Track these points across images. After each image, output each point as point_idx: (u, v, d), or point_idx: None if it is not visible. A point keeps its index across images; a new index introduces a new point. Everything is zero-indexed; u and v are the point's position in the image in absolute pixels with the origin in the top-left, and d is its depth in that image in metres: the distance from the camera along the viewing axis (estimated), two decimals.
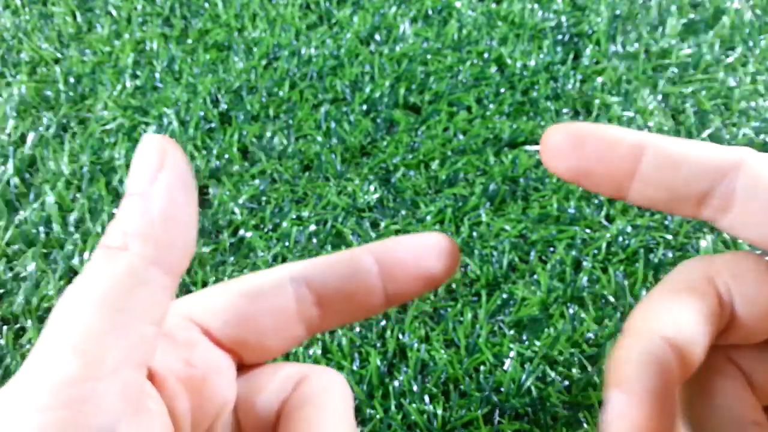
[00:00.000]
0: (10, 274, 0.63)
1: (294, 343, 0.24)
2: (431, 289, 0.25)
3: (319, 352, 0.57)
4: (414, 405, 0.54)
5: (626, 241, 0.63)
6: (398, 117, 0.71)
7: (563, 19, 0.82)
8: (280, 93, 0.74)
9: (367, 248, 0.24)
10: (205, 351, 0.22)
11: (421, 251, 0.24)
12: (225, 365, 0.23)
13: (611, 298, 0.60)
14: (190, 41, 0.82)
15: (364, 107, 0.72)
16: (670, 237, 0.64)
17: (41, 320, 0.60)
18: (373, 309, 0.24)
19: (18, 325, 0.60)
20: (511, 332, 0.59)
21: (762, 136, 0.71)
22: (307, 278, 0.24)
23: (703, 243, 0.63)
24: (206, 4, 0.86)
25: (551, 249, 0.63)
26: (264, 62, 0.78)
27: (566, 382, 0.56)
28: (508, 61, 0.76)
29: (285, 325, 0.24)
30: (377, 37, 0.80)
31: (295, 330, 0.24)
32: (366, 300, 0.24)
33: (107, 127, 0.73)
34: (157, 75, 0.78)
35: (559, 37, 0.81)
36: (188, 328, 0.22)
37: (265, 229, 0.63)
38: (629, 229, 0.64)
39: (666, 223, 0.65)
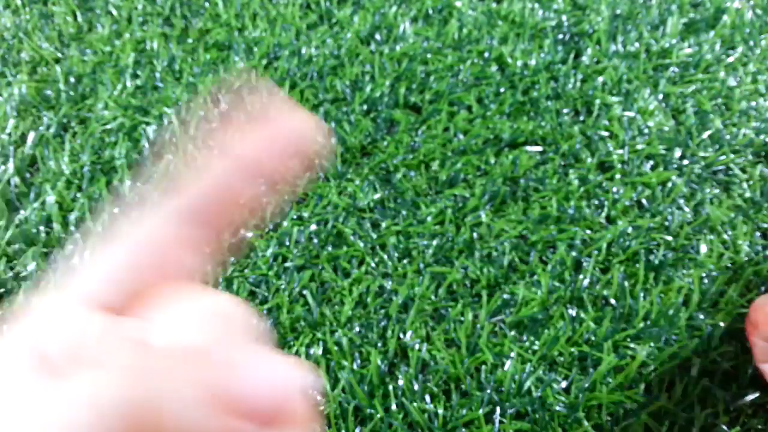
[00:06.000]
0: (10, 274, 0.63)
1: (194, 272, 0.22)
2: (303, 155, 0.21)
3: (320, 352, 0.57)
4: (415, 404, 0.54)
5: (627, 242, 0.63)
6: (398, 117, 0.71)
7: (564, 18, 0.82)
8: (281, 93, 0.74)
9: (226, 154, 0.23)
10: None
11: (276, 133, 0.21)
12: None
13: (611, 299, 0.60)
14: (190, 41, 0.81)
15: (365, 107, 0.72)
16: (670, 238, 0.64)
17: None
18: (258, 199, 0.22)
19: None
20: (512, 332, 0.59)
21: (762, 136, 0.71)
22: (173, 207, 0.22)
23: (702, 245, 0.63)
24: (207, 4, 0.86)
25: (551, 250, 0.63)
26: (264, 62, 0.78)
27: (566, 382, 0.56)
28: (509, 60, 0.76)
29: (167, 261, 0.21)
30: (377, 36, 0.80)
31: (184, 260, 0.22)
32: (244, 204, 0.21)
33: (108, 126, 0.73)
34: (158, 74, 0.78)
35: (560, 36, 0.80)
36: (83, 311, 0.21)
37: (266, 229, 0.63)
38: (630, 230, 0.64)
39: (666, 224, 0.65)
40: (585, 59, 0.78)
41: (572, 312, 0.59)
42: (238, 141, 0.23)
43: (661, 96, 0.74)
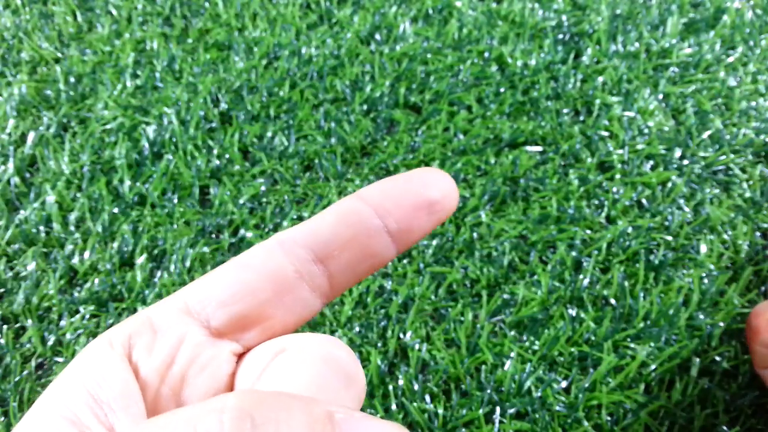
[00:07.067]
0: (10, 274, 0.63)
1: (308, 310, 0.23)
2: (437, 219, 0.22)
3: None
4: (415, 404, 0.54)
5: (627, 242, 0.63)
6: (398, 117, 0.71)
7: (564, 18, 0.82)
8: (281, 93, 0.74)
9: (355, 194, 0.23)
10: (190, 347, 0.21)
11: (412, 181, 0.22)
12: (214, 355, 0.22)
13: (611, 299, 0.60)
14: (190, 41, 0.81)
15: (365, 107, 0.72)
16: (670, 238, 0.64)
17: (41, 319, 0.60)
18: (381, 252, 0.22)
19: (18, 325, 0.60)
20: (512, 332, 0.59)
21: (762, 136, 0.71)
22: (295, 238, 0.22)
23: (702, 245, 0.63)
24: (207, 4, 0.86)
25: (551, 250, 0.63)
26: (264, 62, 0.78)
27: (566, 382, 0.56)
28: (509, 60, 0.76)
29: (286, 290, 0.22)
30: (377, 36, 0.80)
31: (301, 294, 0.22)
32: (369, 243, 0.22)
33: (108, 126, 0.73)
34: (158, 74, 0.78)
35: (560, 36, 0.80)
36: (180, 324, 0.21)
37: (266, 229, 0.63)
38: (630, 229, 0.64)
39: (666, 224, 0.65)
40: (585, 59, 0.78)
41: (572, 312, 0.59)
42: (370, 186, 0.23)
43: (661, 96, 0.74)
